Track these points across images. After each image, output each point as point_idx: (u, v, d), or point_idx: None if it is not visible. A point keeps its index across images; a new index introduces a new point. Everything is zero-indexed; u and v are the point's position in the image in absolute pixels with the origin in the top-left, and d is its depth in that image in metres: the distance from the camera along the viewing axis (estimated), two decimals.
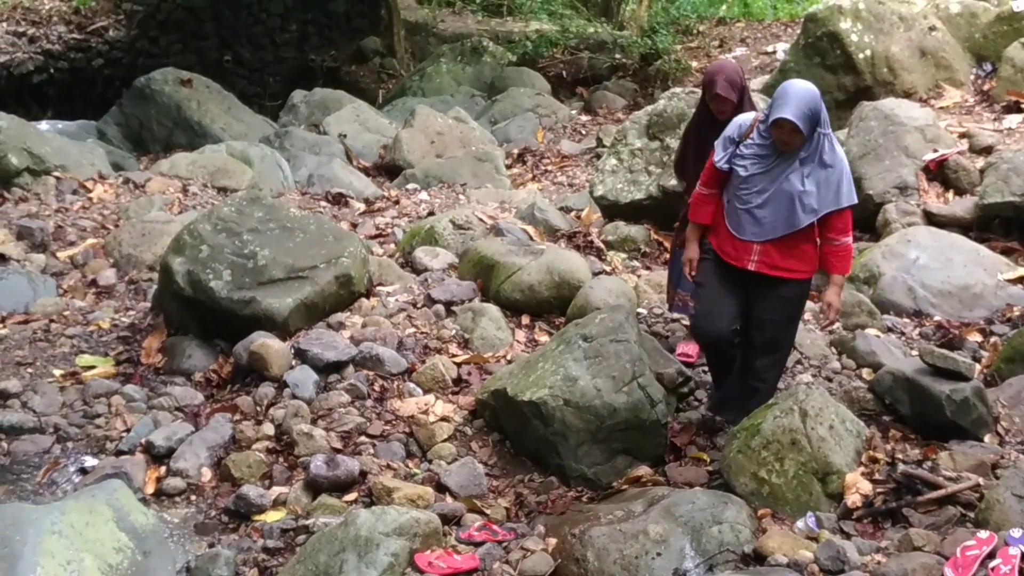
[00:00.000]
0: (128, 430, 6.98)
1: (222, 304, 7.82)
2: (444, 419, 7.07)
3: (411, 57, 21.75)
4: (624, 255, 9.93)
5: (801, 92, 5.89)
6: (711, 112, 7.09)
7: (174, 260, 8.01)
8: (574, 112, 18.03)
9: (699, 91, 11.12)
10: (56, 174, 11.79)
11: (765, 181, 6.05)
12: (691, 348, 7.57)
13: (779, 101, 5.88)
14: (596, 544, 5.52)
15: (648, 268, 9.76)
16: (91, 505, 5.17)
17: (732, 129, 6.20)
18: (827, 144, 6.03)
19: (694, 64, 18.86)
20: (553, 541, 5.76)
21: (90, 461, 6.65)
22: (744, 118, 6.24)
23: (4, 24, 19.85)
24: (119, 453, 6.76)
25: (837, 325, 8.00)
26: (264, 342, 7.47)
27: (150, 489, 6.42)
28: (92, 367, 7.85)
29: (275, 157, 13.54)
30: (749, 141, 6.08)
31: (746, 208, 6.14)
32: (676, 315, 8.07)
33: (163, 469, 6.61)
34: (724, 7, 22.88)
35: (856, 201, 6.23)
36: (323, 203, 11.83)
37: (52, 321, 8.50)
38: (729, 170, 6.19)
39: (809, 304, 7.38)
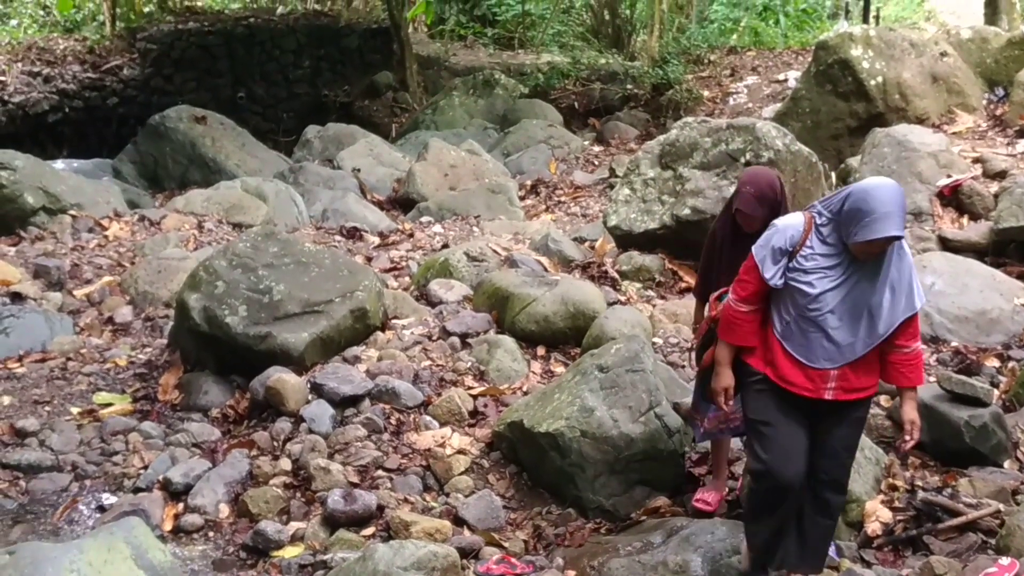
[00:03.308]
0: (146, 467, 6.99)
1: (238, 339, 7.84)
2: (461, 452, 7.06)
3: (424, 91, 21.82)
4: (639, 285, 9.92)
5: (898, 197, 4.81)
6: (735, 222, 6.04)
7: (190, 296, 8.04)
8: (587, 143, 18.07)
9: (711, 120, 11.19)
10: (72, 212, 11.87)
11: (838, 297, 4.95)
12: (710, 496, 6.37)
13: (877, 213, 4.73)
14: None
15: (663, 298, 9.75)
16: (109, 543, 5.16)
17: (780, 239, 5.03)
18: (901, 240, 4.96)
19: (705, 93, 18.90)
20: (572, 573, 5.75)
21: (108, 498, 6.68)
22: (791, 223, 5.07)
23: (19, 64, 19.99)
24: (137, 490, 6.77)
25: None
26: (280, 377, 7.48)
27: (168, 526, 6.43)
28: (109, 404, 7.87)
29: (289, 192, 13.60)
30: (808, 251, 4.97)
31: (819, 331, 5.01)
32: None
33: (181, 506, 6.62)
34: (735, 36, 22.94)
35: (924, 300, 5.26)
36: (338, 237, 11.87)
37: (69, 359, 8.53)
38: (783, 286, 5.07)
39: None
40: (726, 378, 5.31)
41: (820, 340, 5.01)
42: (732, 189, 9.93)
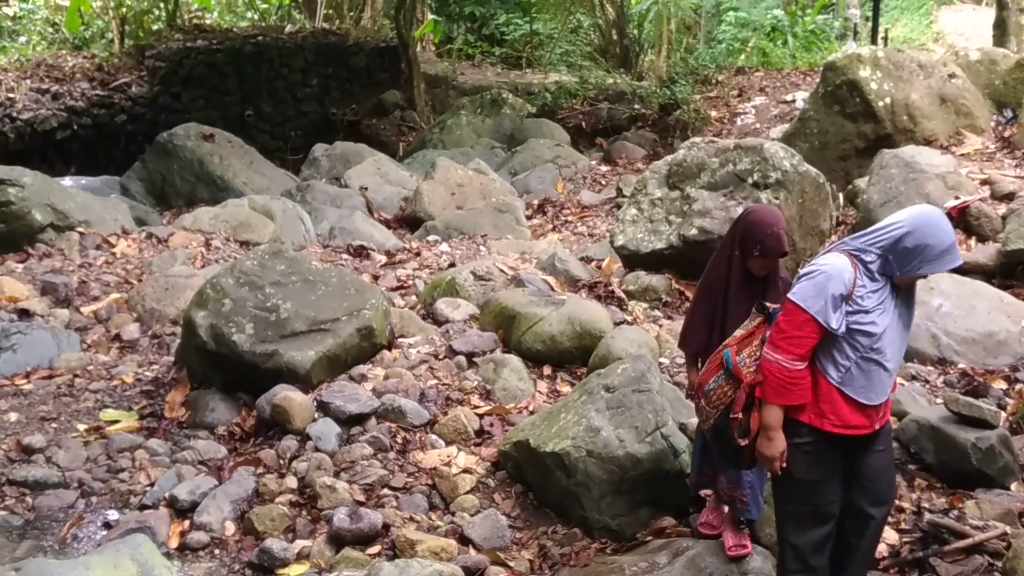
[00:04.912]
0: (152, 484, 7.00)
1: (245, 357, 7.85)
2: (467, 471, 7.06)
3: (431, 110, 21.88)
4: (645, 305, 9.92)
5: (948, 226, 4.77)
6: (745, 268, 5.75)
7: (197, 314, 8.05)
8: (594, 162, 18.10)
9: (719, 141, 11.19)
10: (80, 229, 11.89)
11: (893, 330, 4.88)
12: (714, 518, 6.19)
13: (944, 246, 4.70)
14: None
15: (670, 318, 9.74)
16: (115, 560, 5.17)
17: (837, 284, 4.74)
18: None
19: (713, 113, 18.92)
20: None
21: (114, 515, 6.68)
22: (840, 266, 4.79)
23: (28, 81, 20.08)
24: (143, 507, 6.78)
25: None
26: (287, 395, 7.49)
27: (174, 543, 6.43)
28: (116, 421, 7.88)
29: (297, 210, 13.62)
30: (862, 291, 4.78)
31: (879, 367, 4.88)
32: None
33: (187, 523, 6.63)
34: (743, 56, 22.99)
35: None
36: (345, 256, 11.89)
37: (76, 376, 8.55)
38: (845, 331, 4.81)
39: None
40: (781, 442, 4.89)
41: (880, 376, 4.91)
42: (740, 210, 10.01)
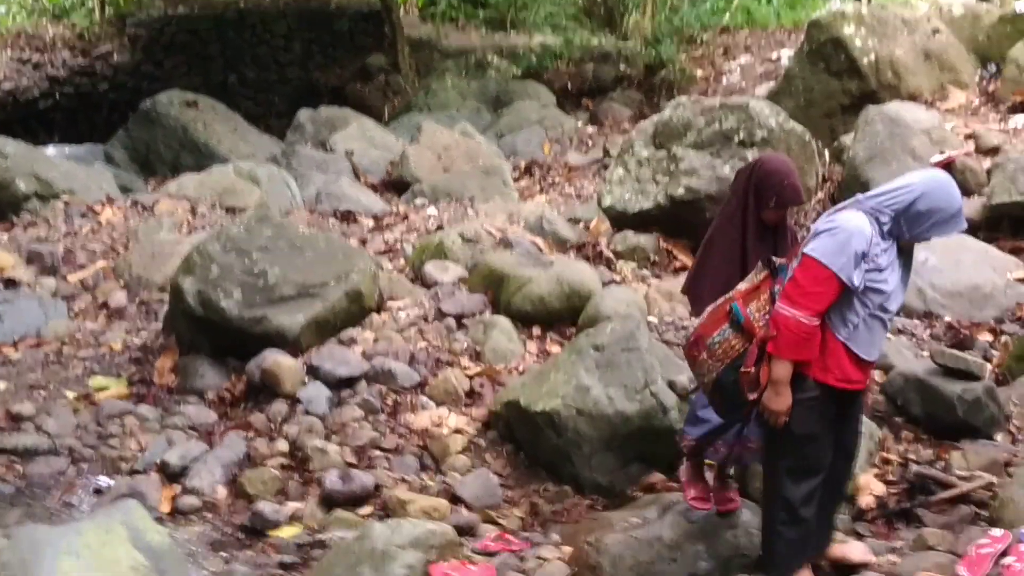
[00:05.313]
0: (142, 450, 7.01)
1: (233, 323, 7.85)
2: (457, 431, 7.10)
3: (416, 73, 21.73)
4: (634, 264, 9.92)
5: (957, 191, 4.91)
6: (759, 218, 5.68)
7: (184, 280, 8.04)
8: (580, 123, 18.02)
9: (704, 100, 11.18)
10: (64, 198, 11.83)
11: (899, 285, 4.97)
12: (701, 490, 5.78)
13: (953, 209, 4.84)
14: (611, 551, 5.54)
15: (658, 277, 9.75)
16: (107, 525, 5.17)
17: (860, 241, 4.76)
18: None
19: (699, 73, 18.86)
20: (568, 549, 5.79)
21: (105, 481, 6.70)
22: (860, 224, 4.81)
23: (9, 51, 19.92)
24: (133, 473, 6.79)
25: None
26: (276, 359, 7.50)
27: (165, 508, 6.45)
28: (105, 388, 7.88)
29: (282, 176, 13.56)
30: (877, 249, 4.82)
31: (882, 324, 5.00)
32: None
33: (178, 488, 6.65)
34: (727, 15, 22.89)
35: None
36: (332, 220, 11.85)
37: (64, 344, 8.54)
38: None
39: None
40: (789, 397, 4.86)
41: (881, 333, 5.02)
42: (727, 168, 10.02)
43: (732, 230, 5.74)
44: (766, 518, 5.19)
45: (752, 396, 4.90)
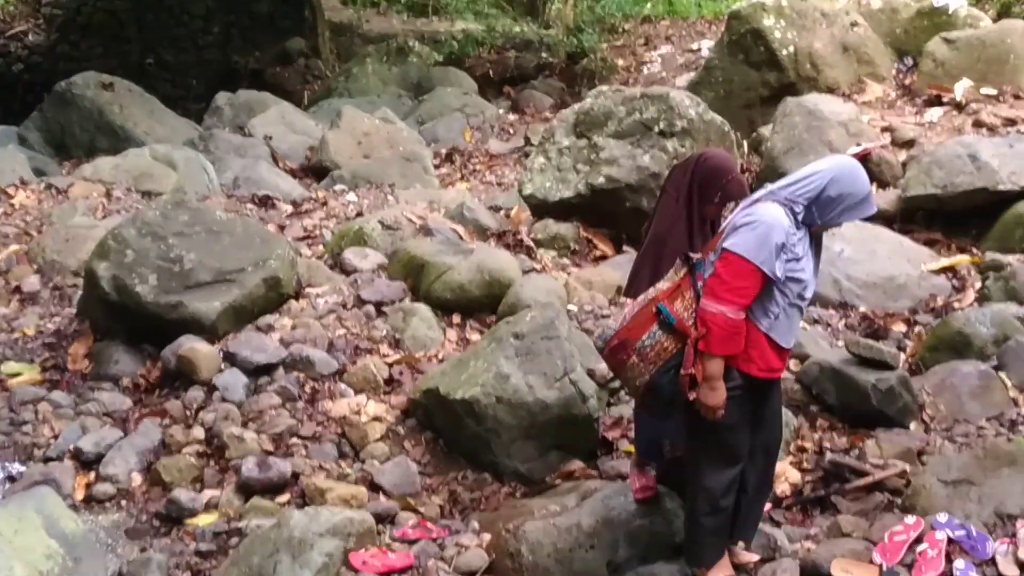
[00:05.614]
0: (56, 437, 6.91)
1: (148, 309, 7.75)
2: (376, 419, 7.07)
3: (336, 58, 21.59)
4: (554, 253, 9.94)
5: (865, 175, 5.02)
6: (700, 212, 5.69)
7: (99, 265, 7.92)
8: (501, 111, 18.02)
9: (625, 89, 11.22)
10: None
11: (813, 272, 5.04)
12: (647, 479, 5.81)
13: (863, 194, 4.93)
14: (530, 539, 5.57)
15: (578, 265, 9.78)
16: (20, 512, 5.12)
17: (779, 234, 4.80)
18: None
19: (620, 62, 18.93)
20: (487, 537, 5.80)
21: (18, 468, 6.58)
22: (777, 216, 4.85)
23: None
24: (47, 460, 6.69)
25: None
26: (192, 346, 7.42)
27: (79, 495, 6.38)
28: (18, 374, 7.73)
29: (200, 160, 13.38)
30: (794, 239, 4.88)
31: (799, 312, 5.09)
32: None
33: (92, 475, 6.58)
34: (649, 5, 22.98)
35: None
36: (249, 206, 11.73)
37: None
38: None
39: None
40: (723, 391, 4.88)
41: (798, 320, 5.12)
42: (647, 158, 10.09)
43: (680, 228, 5.69)
44: (690, 509, 5.24)
45: (692, 395, 4.90)
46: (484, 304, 8.42)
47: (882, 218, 10.09)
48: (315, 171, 14.36)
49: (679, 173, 5.83)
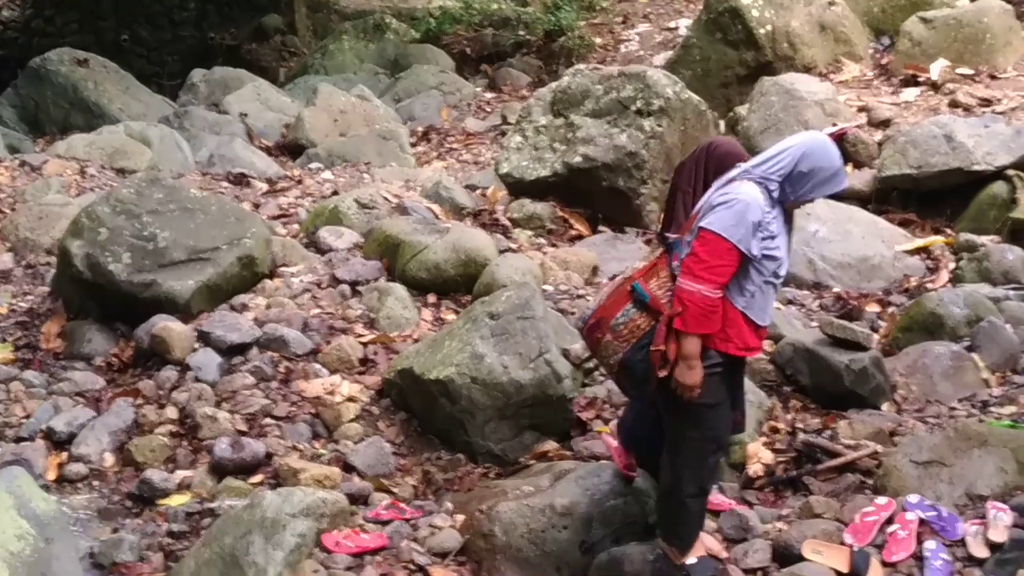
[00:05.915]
0: (28, 416, 6.90)
1: (122, 287, 7.72)
2: (350, 399, 7.05)
3: (313, 35, 21.47)
4: (530, 233, 9.92)
5: (836, 150, 5.03)
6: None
7: (72, 243, 7.88)
8: (478, 89, 17.97)
9: (603, 68, 11.20)
10: None
11: (786, 251, 5.08)
12: (628, 459, 5.79)
13: (834, 168, 4.95)
14: (504, 519, 5.58)
15: (554, 245, 9.77)
16: None
17: (755, 212, 4.83)
18: None
19: (598, 41, 18.88)
20: (461, 518, 5.80)
21: None
22: (752, 194, 4.88)
23: None
24: (19, 440, 6.68)
25: None
26: (166, 325, 7.40)
27: (51, 475, 6.37)
28: None
29: (175, 137, 13.33)
30: (768, 217, 4.91)
31: (774, 290, 5.13)
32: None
33: (64, 455, 6.56)
34: None
35: None
36: (224, 183, 11.67)
37: None
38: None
39: None
40: (700, 370, 4.89)
41: (773, 298, 5.17)
42: (624, 137, 10.06)
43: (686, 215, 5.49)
44: (673, 491, 5.22)
45: (663, 373, 4.91)
46: (459, 284, 8.41)
47: (857, 198, 10.12)
48: (291, 149, 14.31)
49: (689, 166, 5.73)
